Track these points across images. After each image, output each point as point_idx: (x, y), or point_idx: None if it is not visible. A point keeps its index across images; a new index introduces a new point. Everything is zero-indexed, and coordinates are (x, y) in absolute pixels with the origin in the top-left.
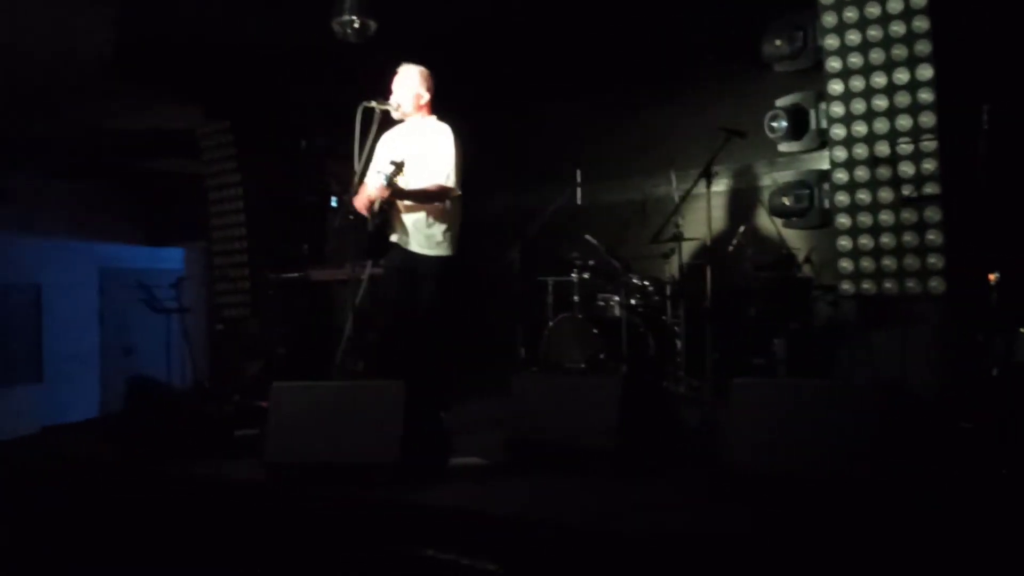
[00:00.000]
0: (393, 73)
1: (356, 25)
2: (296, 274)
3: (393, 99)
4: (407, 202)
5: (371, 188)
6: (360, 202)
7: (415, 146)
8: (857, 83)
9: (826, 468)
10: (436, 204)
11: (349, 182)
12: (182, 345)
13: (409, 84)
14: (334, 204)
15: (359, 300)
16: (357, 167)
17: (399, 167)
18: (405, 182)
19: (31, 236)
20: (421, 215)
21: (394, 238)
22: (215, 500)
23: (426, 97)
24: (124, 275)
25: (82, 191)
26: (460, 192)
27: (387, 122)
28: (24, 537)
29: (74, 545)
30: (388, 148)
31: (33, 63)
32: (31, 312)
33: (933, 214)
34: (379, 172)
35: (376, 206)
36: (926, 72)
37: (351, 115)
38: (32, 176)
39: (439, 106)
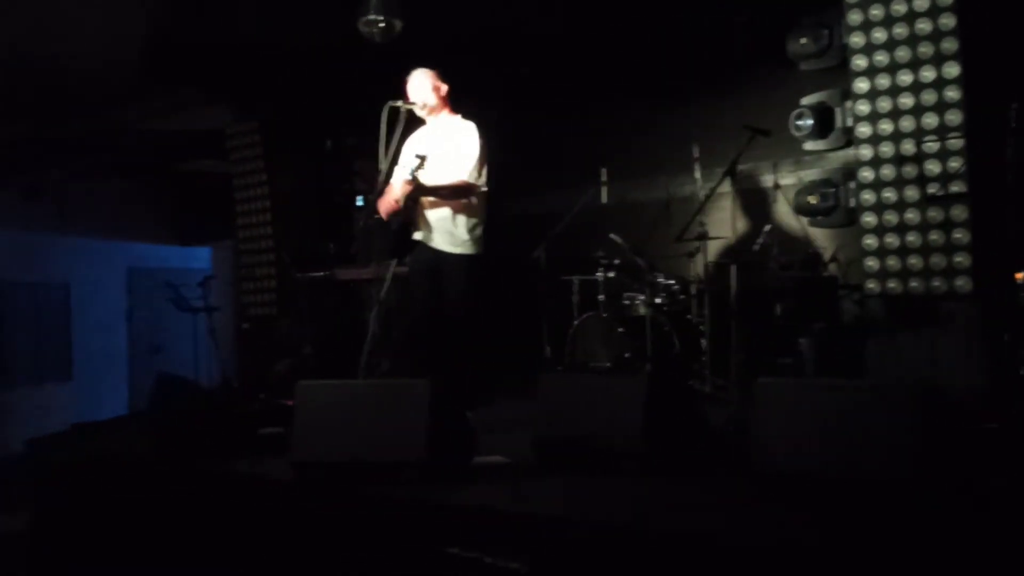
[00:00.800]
0: (405, 80)
1: (382, 25)
2: (322, 273)
3: (417, 98)
4: (432, 199)
5: (396, 188)
6: (384, 206)
7: (440, 144)
8: (883, 81)
9: (856, 469)
10: (462, 201)
11: (375, 181)
12: (209, 344)
13: (424, 86)
14: (360, 203)
15: (383, 298)
16: (383, 167)
17: (423, 160)
18: (431, 180)
19: (61, 235)
20: (447, 212)
21: (419, 236)
22: (241, 498)
23: (439, 97)
24: (152, 274)
25: (111, 191)
26: (486, 189)
27: (414, 124)
28: (54, 533)
29: (101, 541)
30: (413, 147)
31: (66, 64)
32: (61, 311)
33: (960, 212)
34: (404, 167)
35: (401, 204)
36: (953, 70)
37: (377, 115)
38: (62, 176)
39: (466, 105)
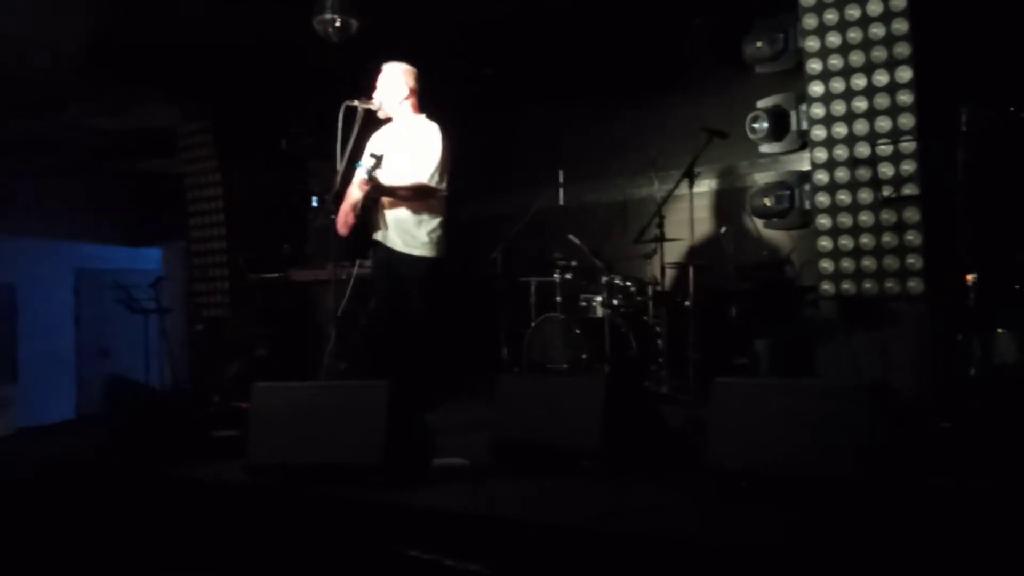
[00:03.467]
0: (377, 71)
1: (337, 24)
2: (277, 274)
3: (376, 97)
4: (392, 200)
5: (354, 190)
6: (342, 221)
7: (401, 144)
8: (837, 85)
9: (809, 467)
10: (421, 203)
11: (331, 182)
12: (161, 346)
13: (392, 82)
14: (315, 204)
15: (344, 301)
16: (340, 167)
17: (379, 160)
18: (390, 180)
19: (5, 235)
20: (406, 214)
21: (378, 236)
22: (195, 502)
23: (409, 95)
24: (101, 275)
25: (58, 190)
26: (446, 192)
27: (376, 122)
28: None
29: (50, 548)
30: (374, 146)
31: (10, 61)
32: (6, 312)
33: (912, 215)
34: (359, 166)
35: (359, 206)
36: (905, 74)
37: (333, 115)
38: (7, 174)
39: (424, 105)
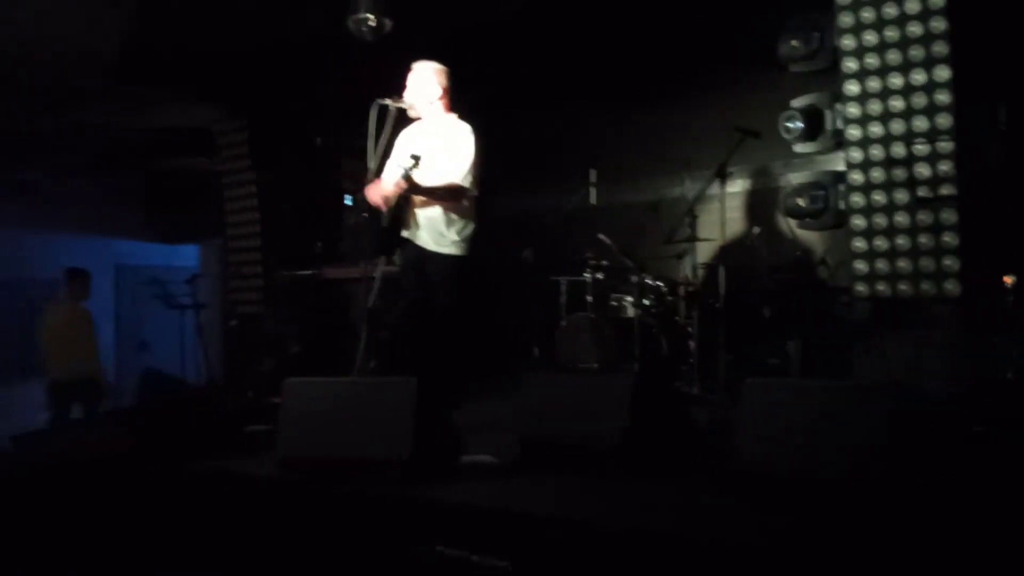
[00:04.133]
0: (408, 70)
1: (371, 23)
2: (310, 272)
3: (406, 97)
4: (422, 198)
5: (387, 183)
6: (374, 195)
7: (433, 144)
8: (873, 84)
9: (838, 469)
10: (452, 202)
11: (363, 180)
12: (196, 341)
13: (422, 82)
14: (348, 202)
15: (372, 297)
16: (371, 165)
17: (417, 160)
18: (423, 179)
19: (48, 232)
20: (437, 213)
21: (406, 234)
22: (226, 495)
23: (441, 95)
24: (139, 272)
25: (99, 188)
26: (476, 193)
27: (406, 119)
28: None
29: (83, 539)
30: (407, 145)
31: (52, 60)
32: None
33: (949, 216)
34: (399, 166)
35: (392, 201)
36: (943, 73)
37: (366, 113)
38: (50, 172)
39: (456, 104)
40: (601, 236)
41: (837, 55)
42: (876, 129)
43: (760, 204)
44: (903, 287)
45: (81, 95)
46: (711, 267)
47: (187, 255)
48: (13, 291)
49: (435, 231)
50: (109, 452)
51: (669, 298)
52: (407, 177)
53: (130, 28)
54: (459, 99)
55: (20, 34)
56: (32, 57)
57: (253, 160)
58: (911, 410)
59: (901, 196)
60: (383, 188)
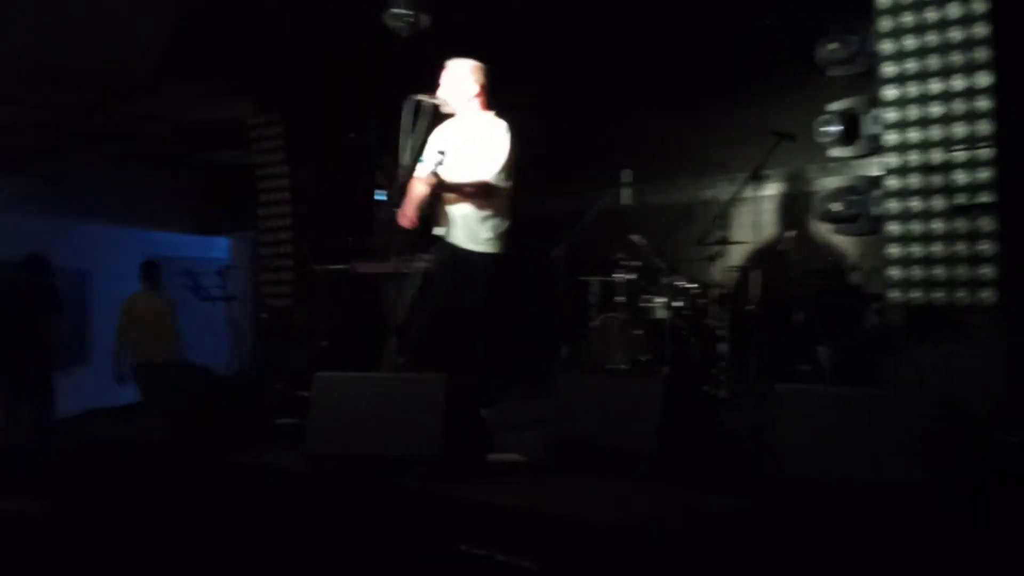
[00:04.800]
0: (443, 67)
1: (409, 19)
2: (341, 266)
3: (440, 94)
4: (457, 196)
5: (419, 185)
6: (406, 204)
7: (468, 140)
8: (912, 89)
9: (877, 477)
10: (486, 200)
11: (396, 176)
12: (227, 333)
13: (458, 79)
14: (381, 197)
15: (406, 294)
16: (404, 161)
17: (443, 156)
18: (456, 177)
19: (83, 222)
20: (472, 210)
21: (440, 231)
22: (254, 488)
23: (476, 91)
24: (172, 263)
25: (133, 179)
26: (511, 191)
27: (440, 117)
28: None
29: (115, 528)
30: (440, 141)
31: (90, 53)
32: (81, 297)
33: (987, 223)
34: (422, 161)
35: (423, 201)
36: (984, 80)
37: (401, 109)
38: (85, 163)
39: (492, 101)
40: (634, 236)
41: (876, 59)
42: (914, 135)
43: (794, 208)
44: (938, 295)
45: (122, 88)
46: (743, 270)
47: (219, 247)
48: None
49: (469, 229)
50: (138, 441)
51: (700, 300)
52: (435, 174)
53: (168, 17)
54: (496, 97)
55: (65, 26)
56: (77, 48)
57: (287, 154)
58: (953, 420)
59: (938, 203)
60: (413, 190)
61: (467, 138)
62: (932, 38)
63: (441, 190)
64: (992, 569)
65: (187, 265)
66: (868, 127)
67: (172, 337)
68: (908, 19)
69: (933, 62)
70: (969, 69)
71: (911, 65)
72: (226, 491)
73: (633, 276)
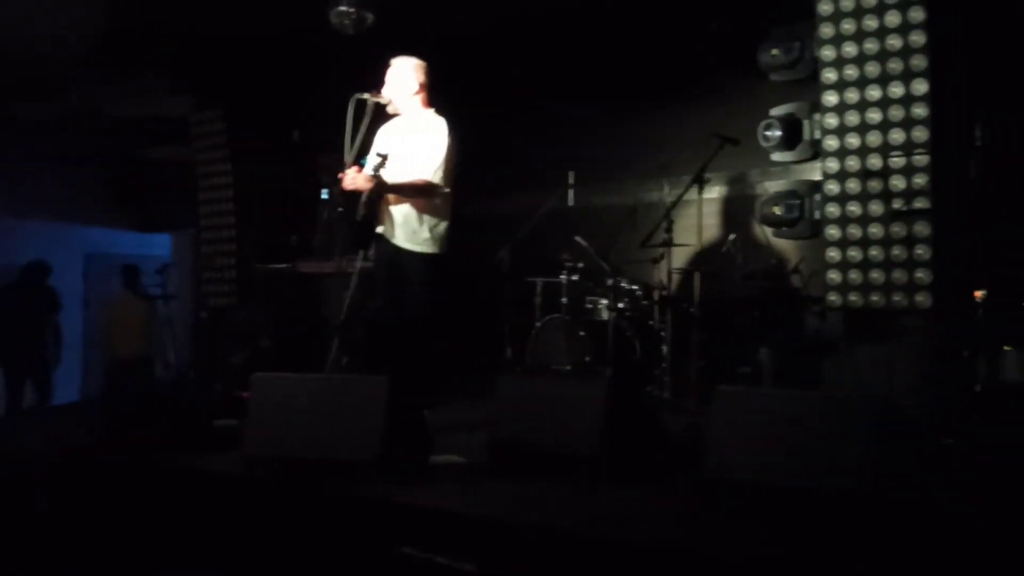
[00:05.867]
0: (388, 65)
1: (353, 17)
2: (284, 265)
3: (385, 92)
4: (396, 196)
5: (361, 181)
6: (350, 183)
7: (407, 140)
8: (852, 95)
9: (809, 480)
10: (425, 200)
11: (340, 175)
12: (166, 332)
13: (401, 77)
14: (324, 196)
15: (349, 293)
16: (347, 159)
17: (384, 159)
18: (393, 175)
19: (16, 219)
20: (410, 210)
21: (380, 230)
22: (192, 491)
23: (418, 90)
24: (110, 260)
25: (70, 175)
26: (448, 190)
27: (385, 115)
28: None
29: (46, 532)
30: (382, 141)
31: (25, 45)
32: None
33: (922, 228)
34: (363, 163)
35: (364, 197)
36: (921, 87)
37: (345, 107)
38: (19, 158)
39: (435, 101)
40: (578, 238)
41: (817, 65)
42: (853, 140)
43: (736, 211)
44: (875, 298)
45: (57, 80)
46: (686, 272)
47: (158, 244)
48: None
49: (409, 228)
50: (75, 444)
51: (644, 302)
52: (375, 175)
53: (105, 10)
54: (438, 96)
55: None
56: (7, 40)
57: (230, 151)
58: (888, 423)
59: (876, 208)
60: (359, 177)
61: (407, 136)
62: (871, 45)
63: (382, 191)
64: (924, 570)
65: (126, 262)
66: (809, 132)
67: (146, 335)
68: (848, 26)
69: (872, 69)
70: (907, 76)
71: (851, 71)
72: (162, 494)
73: (577, 277)
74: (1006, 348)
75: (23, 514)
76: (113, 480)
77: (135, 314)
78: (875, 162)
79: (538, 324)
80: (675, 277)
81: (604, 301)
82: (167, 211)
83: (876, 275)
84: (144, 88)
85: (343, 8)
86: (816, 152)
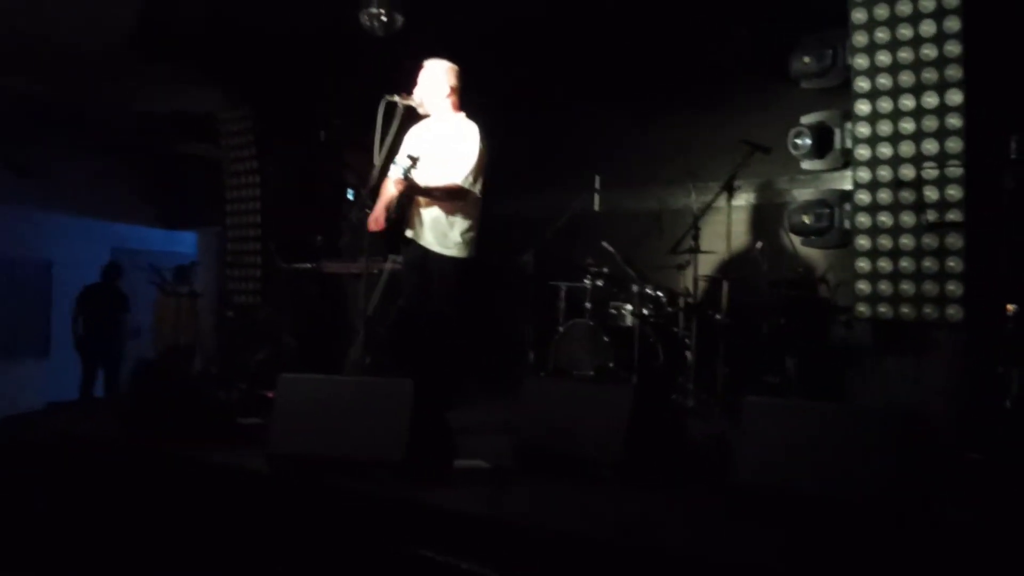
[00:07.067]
0: (419, 67)
1: (383, 18)
2: (309, 265)
3: (416, 95)
4: (427, 199)
5: (390, 187)
6: (378, 207)
7: (438, 143)
8: (885, 104)
9: (836, 491)
10: (455, 203)
11: (367, 175)
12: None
13: (433, 80)
14: (351, 196)
15: (375, 296)
16: (377, 162)
17: (415, 161)
18: (424, 178)
19: (45, 212)
20: (440, 213)
21: (409, 234)
22: (214, 487)
23: (450, 93)
24: (136, 256)
25: (99, 170)
26: (480, 195)
27: (415, 116)
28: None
29: (70, 525)
30: (412, 142)
31: (57, 40)
32: (41, 287)
33: (955, 241)
34: (395, 164)
35: (394, 204)
36: (956, 97)
37: (373, 108)
38: (50, 152)
39: (464, 103)
40: (605, 243)
41: (849, 73)
42: (885, 150)
43: (765, 219)
44: (905, 310)
45: (87, 75)
46: (713, 280)
47: (184, 241)
48: (7, 269)
49: (438, 232)
50: (100, 437)
51: (669, 309)
52: (405, 177)
53: (139, 6)
54: (469, 99)
55: (33, 12)
56: (40, 34)
57: (257, 149)
58: (912, 435)
59: (908, 218)
60: (385, 193)
61: (438, 140)
62: (905, 55)
63: (412, 193)
64: None
65: (151, 259)
66: (840, 141)
67: (191, 326)
68: (882, 35)
69: (906, 78)
70: (941, 87)
71: (884, 81)
72: (187, 490)
73: (601, 282)
74: None
75: (44, 505)
76: (137, 473)
77: (181, 306)
78: (907, 173)
79: (561, 328)
80: (701, 284)
81: (628, 307)
82: (193, 208)
83: (906, 287)
84: (174, 83)
85: (373, 10)
86: (847, 161)
